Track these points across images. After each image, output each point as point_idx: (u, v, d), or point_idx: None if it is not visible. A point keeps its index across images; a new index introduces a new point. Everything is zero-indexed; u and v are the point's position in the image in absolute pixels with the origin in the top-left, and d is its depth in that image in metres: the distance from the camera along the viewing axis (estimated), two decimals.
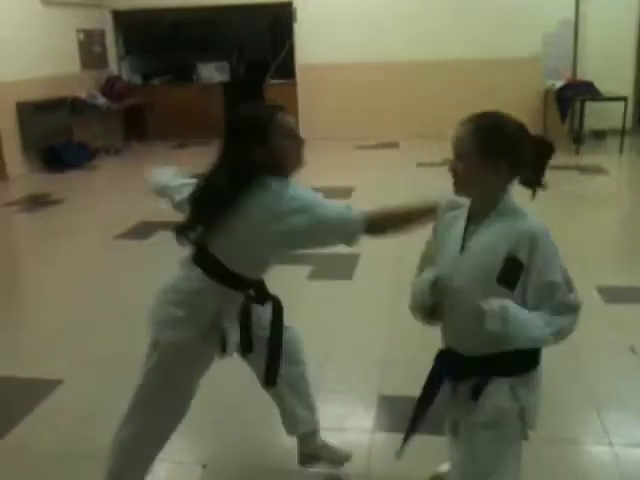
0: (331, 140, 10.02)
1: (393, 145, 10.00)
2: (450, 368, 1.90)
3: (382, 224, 2.17)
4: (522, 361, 1.84)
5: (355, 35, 10.26)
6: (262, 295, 2.33)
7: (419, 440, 2.79)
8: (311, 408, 2.55)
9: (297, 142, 2.17)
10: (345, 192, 6.50)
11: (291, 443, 2.74)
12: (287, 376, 2.44)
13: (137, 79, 11.65)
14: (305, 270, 4.82)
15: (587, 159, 8.56)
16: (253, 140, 2.09)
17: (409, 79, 10.38)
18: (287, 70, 10.88)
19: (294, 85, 10.80)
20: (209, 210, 2.14)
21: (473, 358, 1.84)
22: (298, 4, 10.46)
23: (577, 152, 8.91)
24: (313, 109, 10.58)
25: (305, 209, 2.06)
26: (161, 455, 2.77)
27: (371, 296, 4.38)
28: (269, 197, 2.06)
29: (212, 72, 11.50)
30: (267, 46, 12.79)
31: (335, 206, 2.13)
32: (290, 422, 2.54)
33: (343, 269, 4.81)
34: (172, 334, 2.22)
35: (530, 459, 2.59)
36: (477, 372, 1.84)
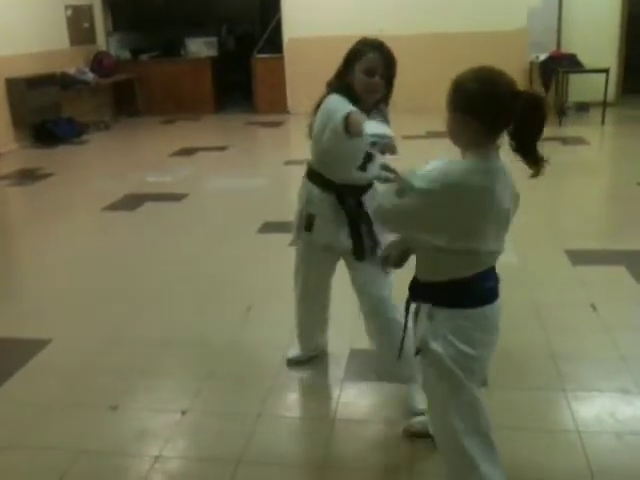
0: None
1: None
2: (411, 293, 2.11)
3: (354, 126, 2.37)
4: (446, 295, 1.99)
5: (341, 9, 10.33)
6: (346, 199, 2.70)
7: (383, 388, 3.01)
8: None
9: (371, 79, 2.51)
10: None
11: (265, 388, 2.95)
12: None
13: (126, 55, 11.70)
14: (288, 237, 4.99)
15: (570, 130, 8.70)
16: (344, 65, 2.58)
17: (394, 52, 10.42)
18: (275, 44, 10.95)
19: (282, 59, 10.88)
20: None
21: (423, 283, 2.05)
22: None
23: (560, 124, 9.05)
24: (301, 83, 10.66)
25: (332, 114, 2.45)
26: (142, 404, 2.98)
27: None
28: (323, 107, 2.53)
29: (200, 47, 11.56)
30: (255, 21, 12.84)
31: (344, 109, 2.41)
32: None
33: None
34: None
35: (489, 404, 2.80)
36: (425, 298, 2.06)
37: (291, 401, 3.03)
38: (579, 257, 4.41)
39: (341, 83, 2.57)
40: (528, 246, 4.60)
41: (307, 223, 2.75)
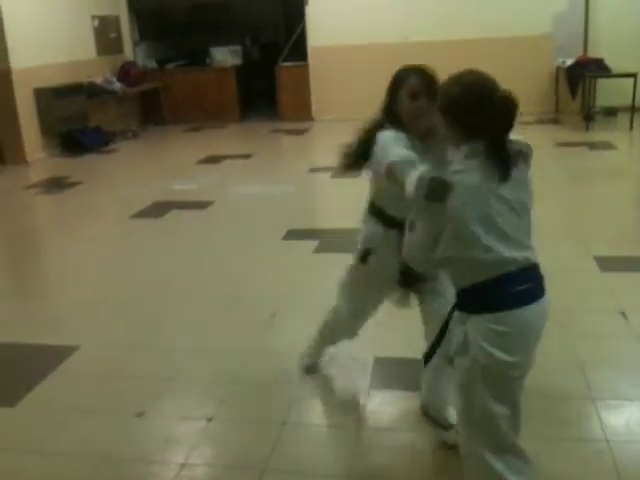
0: (343, 121, 10.10)
1: None
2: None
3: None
4: (472, 299, 1.98)
5: (366, 17, 10.33)
6: None
7: (405, 398, 2.99)
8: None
9: (415, 104, 2.42)
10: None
11: (290, 396, 2.94)
12: None
13: (152, 64, 11.83)
14: (312, 244, 4.99)
15: (597, 135, 8.60)
16: (389, 95, 2.51)
17: (421, 60, 10.17)
18: (299, 52, 10.99)
19: (306, 67, 10.91)
20: None
21: (457, 291, 2.05)
22: None
23: (587, 129, 8.96)
24: (325, 91, 10.70)
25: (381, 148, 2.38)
26: (168, 411, 2.99)
27: None
28: (379, 142, 2.43)
29: (226, 56, 11.63)
30: (280, 29, 12.91)
31: (397, 151, 2.31)
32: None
33: (347, 243, 4.95)
34: None
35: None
36: (458, 305, 2.05)
37: (316, 409, 3.02)
38: (608, 263, 4.35)
39: (389, 113, 2.50)
40: (555, 251, 4.54)
41: (363, 256, 2.72)
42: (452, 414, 2.60)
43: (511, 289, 1.93)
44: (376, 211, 2.66)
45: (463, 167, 1.91)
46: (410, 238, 2.03)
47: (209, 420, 2.87)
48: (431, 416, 2.69)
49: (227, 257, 4.94)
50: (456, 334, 2.04)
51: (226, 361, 3.40)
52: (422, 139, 2.43)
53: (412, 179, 1.95)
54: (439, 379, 2.65)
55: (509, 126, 1.91)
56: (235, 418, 2.92)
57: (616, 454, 2.52)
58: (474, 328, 1.95)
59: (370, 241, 2.68)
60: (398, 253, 2.43)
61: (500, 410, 1.99)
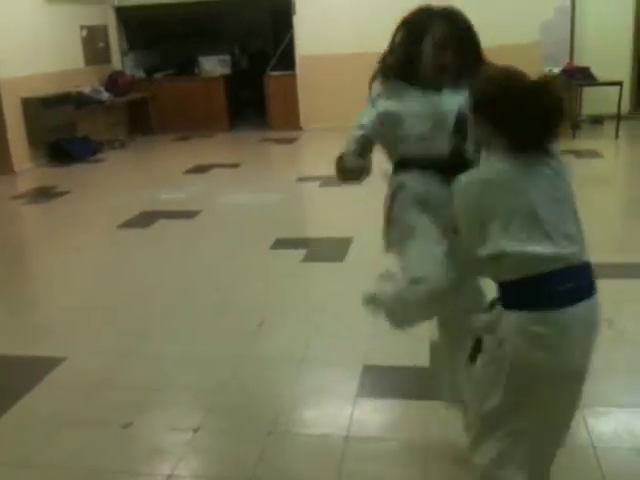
0: (332, 130, 10.13)
1: None
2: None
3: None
4: (509, 294, 1.87)
5: (355, 26, 10.36)
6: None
7: (393, 406, 3.00)
8: None
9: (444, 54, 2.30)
10: None
11: (277, 405, 2.94)
12: None
13: (140, 74, 11.81)
14: (300, 253, 5.00)
15: (583, 144, 8.66)
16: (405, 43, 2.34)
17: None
18: (288, 62, 11.02)
19: (294, 76, 10.94)
20: None
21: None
22: None
23: (574, 137, 9.01)
24: (314, 100, 10.71)
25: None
26: (154, 422, 2.98)
27: (361, 275, 4.53)
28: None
29: (214, 65, 11.64)
30: (268, 39, 12.94)
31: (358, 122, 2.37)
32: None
33: (335, 252, 4.97)
34: None
35: None
36: (498, 298, 1.93)
37: (303, 418, 3.01)
38: (595, 271, 4.36)
39: (401, 66, 2.32)
40: None
41: (393, 192, 2.44)
42: None
43: (551, 288, 1.79)
44: (403, 162, 2.41)
45: (495, 162, 1.87)
46: (458, 244, 1.97)
47: (196, 431, 2.86)
48: None
49: (215, 266, 4.94)
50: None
51: (214, 370, 3.39)
52: (431, 87, 2.30)
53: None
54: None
55: (545, 124, 1.81)
56: (222, 428, 2.91)
57: (602, 460, 2.52)
58: (509, 324, 1.83)
59: (400, 183, 2.41)
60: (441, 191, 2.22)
61: (518, 425, 1.88)
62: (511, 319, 1.83)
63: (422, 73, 2.30)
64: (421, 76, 2.30)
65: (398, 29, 2.35)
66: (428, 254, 2.28)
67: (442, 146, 2.31)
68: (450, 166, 2.17)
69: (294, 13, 10.70)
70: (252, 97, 12.10)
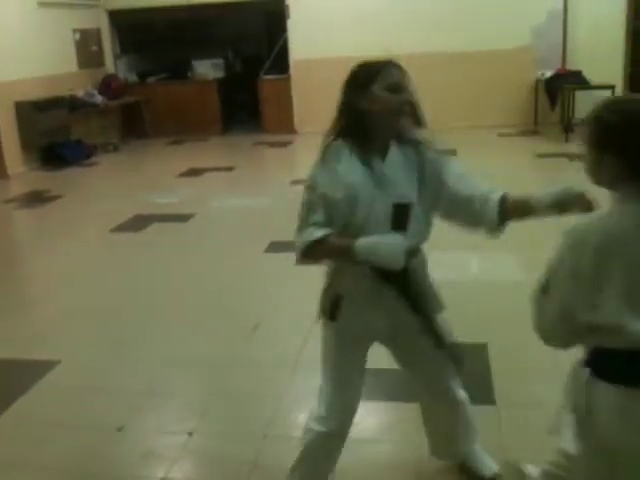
0: None
1: None
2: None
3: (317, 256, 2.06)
4: (604, 363, 1.65)
5: (347, 30, 10.39)
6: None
7: (388, 409, 3.00)
8: None
9: (399, 97, 2.03)
10: None
11: (271, 408, 2.94)
12: None
13: (133, 77, 11.81)
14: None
15: (576, 147, 8.67)
16: (352, 94, 2.06)
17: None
18: (282, 65, 11.03)
19: (288, 80, 10.96)
20: None
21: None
22: (291, 0, 10.61)
23: (567, 140, 9.05)
24: (308, 103, 10.72)
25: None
26: (148, 425, 2.97)
27: None
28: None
29: (207, 69, 11.65)
30: (262, 42, 12.94)
31: (307, 222, 2.02)
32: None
33: None
34: None
35: (499, 423, 2.79)
36: (587, 361, 1.74)
37: (298, 421, 3.00)
38: None
39: (349, 121, 2.06)
40: (538, 262, 4.58)
41: (332, 308, 2.12)
42: (483, 461, 2.49)
43: None
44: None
45: (623, 212, 1.57)
46: (543, 305, 1.62)
47: (190, 434, 2.86)
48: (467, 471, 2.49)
49: (209, 269, 4.93)
50: (576, 395, 1.69)
51: (208, 374, 3.39)
52: (384, 151, 2.06)
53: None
54: (440, 424, 2.44)
55: None
56: (216, 432, 2.91)
57: None
58: (605, 397, 1.60)
59: (340, 282, 2.12)
60: (374, 298, 2.07)
61: None
62: (606, 392, 1.59)
63: (374, 128, 2.04)
64: (373, 133, 2.04)
65: (343, 88, 2.10)
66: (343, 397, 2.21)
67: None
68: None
69: (288, 17, 10.71)
70: (246, 101, 12.11)
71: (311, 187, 2.03)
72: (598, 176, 1.63)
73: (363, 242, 1.93)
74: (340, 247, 2.00)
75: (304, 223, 2.02)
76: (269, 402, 3.08)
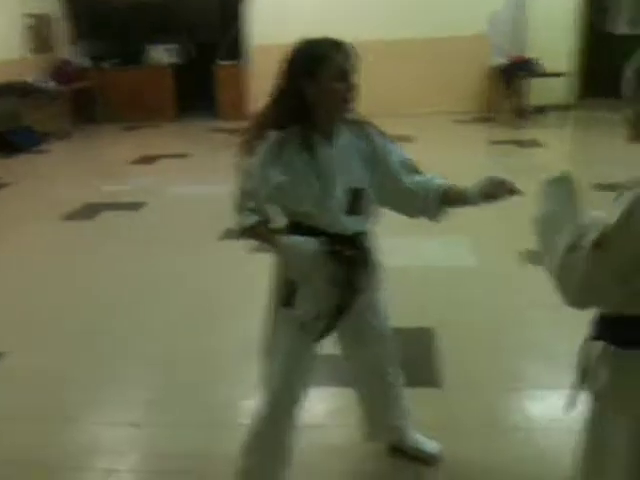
0: None
1: None
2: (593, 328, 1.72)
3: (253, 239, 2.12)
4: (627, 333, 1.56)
5: (305, 16, 10.31)
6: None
7: (335, 394, 3.02)
8: None
9: (346, 85, 1.99)
10: None
11: (217, 397, 2.93)
12: None
13: (87, 62, 11.57)
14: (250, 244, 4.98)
15: (528, 133, 8.82)
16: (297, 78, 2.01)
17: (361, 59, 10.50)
18: (238, 51, 10.93)
19: (245, 66, 10.87)
20: None
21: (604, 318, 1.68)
22: None
23: (519, 127, 9.18)
24: (265, 89, 10.43)
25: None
26: (96, 417, 2.94)
27: None
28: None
29: (162, 54, 11.49)
30: (217, 28, 12.78)
31: (242, 207, 2.09)
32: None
33: None
34: None
35: (444, 405, 2.83)
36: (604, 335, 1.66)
37: (245, 409, 3.00)
38: (532, 258, 4.46)
39: (292, 106, 2.03)
40: (483, 247, 4.68)
41: (287, 295, 2.11)
42: (421, 440, 2.54)
43: None
44: (295, 226, 2.09)
45: None
46: (597, 261, 1.42)
47: (137, 426, 2.84)
48: (404, 451, 2.54)
49: (162, 258, 4.88)
50: (598, 373, 1.59)
51: (160, 365, 3.36)
52: (332, 135, 2.04)
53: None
54: (376, 404, 2.49)
55: None
56: (164, 422, 2.89)
57: (537, 442, 2.59)
58: (627, 369, 1.53)
59: (293, 272, 2.07)
60: (330, 286, 2.06)
61: None
62: (631, 361, 1.51)
63: (319, 113, 2.01)
64: (318, 118, 2.02)
65: (283, 70, 2.08)
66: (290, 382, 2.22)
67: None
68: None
69: (242, 2, 10.61)
70: (201, 87, 11.96)
71: (249, 173, 2.05)
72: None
73: (284, 241, 2.01)
74: (268, 240, 2.06)
75: (239, 207, 2.07)
76: (221, 391, 3.07)
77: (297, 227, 2.08)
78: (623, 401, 1.55)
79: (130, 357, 3.46)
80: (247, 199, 2.05)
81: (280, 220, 2.09)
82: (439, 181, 2.11)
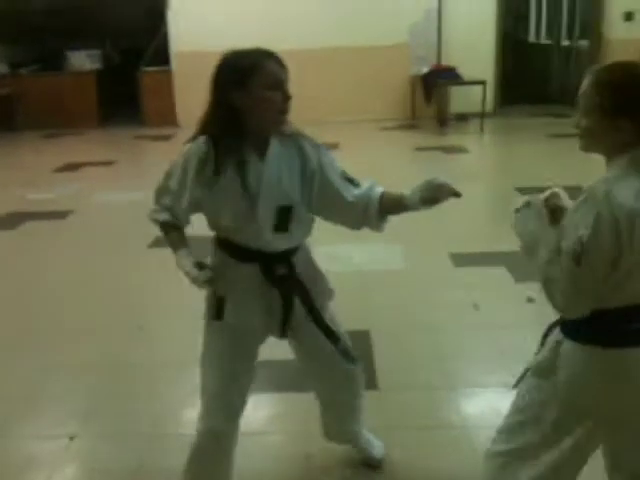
0: None
1: None
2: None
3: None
4: (579, 325, 1.69)
5: (231, 24, 10.29)
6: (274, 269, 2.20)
7: (275, 400, 3.04)
8: None
9: (279, 95, 1.97)
10: None
11: (155, 408, 2.90)
12: None
13: (4, 68, 11.20)
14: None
15: (451, 140, 9.07)
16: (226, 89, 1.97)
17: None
18: (164, 58, 10.81)
19: (170, 72, 10.76)
20: None
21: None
22: None
23: (442, 134, 9.43)
24: (191, 96, 10.45)
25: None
26: (28, 431, 2.86)
27: None
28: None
29: (83, 60, 11.22)
30: (141, 34, 12.60)
31: (157, 201, 2.15)
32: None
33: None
34: None
35: (380, 405, 2.89)
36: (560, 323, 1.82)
37: (184, 418, 2.99)
38: (462, 260, 4.61)
39: (221, 117, 2.00)
40: (415, 251, 4.79)
41: (217, 308, 2.13)
42: (371, 444, 2.57)
43: (628, 325, 1.63)
44: (222, 241, 2.13)
45: (621, 180, 1.56)
46: (577, 273, 1.56)
47: (72, 438, 2.78)
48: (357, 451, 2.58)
49: (90, 268, 4.78)
50: (546, 353, 1.77)
51: (93, 376, 3.30)
52: (263, 148, 2.02)
53: None
54: (329, 411, 2.49)
55: None
56: (100, 434, 2.84)
57: (471, 439, 2.68)
58: (572, 358, 1.68)
59: (221, 283, 2.08)
60: (258, 295, 2.10)
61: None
62: (577, 352, 1.67)
63: (251, 125, 1.99)
64: (250, 130, 2.00)
65: (214, 82, 2.03)
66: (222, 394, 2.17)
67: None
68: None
69: (168, 8, 10.50)
70: (125, 94, 11.76)
71: (169, 175, 2.11)
72: (604, 143, 1.62)
73: (178, 257, 2.09)
74: (171, 246, 2.13)
75: (155, 200, 2.14)
76: (156, 402, 3.04)
77: (225, 245, 2.12)
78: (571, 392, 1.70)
79: (59, 369, 3.37)
80: (164, 194, 2.10)
81: (189, 223, 2.15)
82: (378, 190, 2.10)
